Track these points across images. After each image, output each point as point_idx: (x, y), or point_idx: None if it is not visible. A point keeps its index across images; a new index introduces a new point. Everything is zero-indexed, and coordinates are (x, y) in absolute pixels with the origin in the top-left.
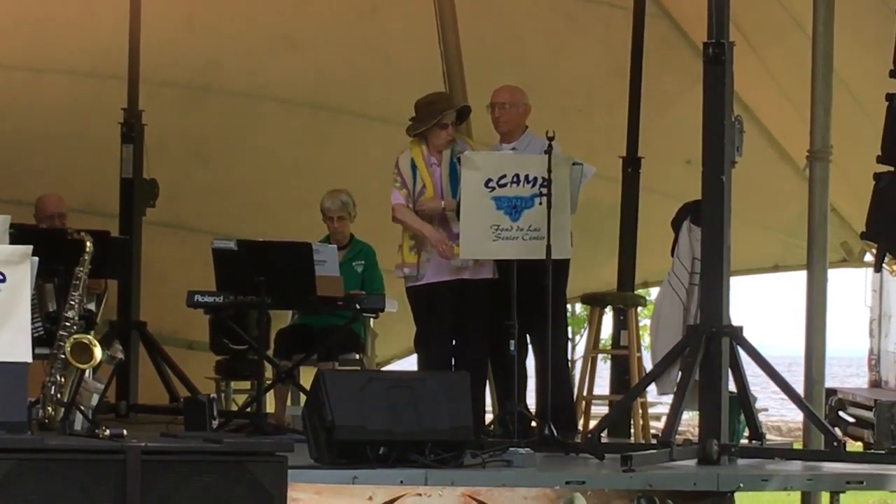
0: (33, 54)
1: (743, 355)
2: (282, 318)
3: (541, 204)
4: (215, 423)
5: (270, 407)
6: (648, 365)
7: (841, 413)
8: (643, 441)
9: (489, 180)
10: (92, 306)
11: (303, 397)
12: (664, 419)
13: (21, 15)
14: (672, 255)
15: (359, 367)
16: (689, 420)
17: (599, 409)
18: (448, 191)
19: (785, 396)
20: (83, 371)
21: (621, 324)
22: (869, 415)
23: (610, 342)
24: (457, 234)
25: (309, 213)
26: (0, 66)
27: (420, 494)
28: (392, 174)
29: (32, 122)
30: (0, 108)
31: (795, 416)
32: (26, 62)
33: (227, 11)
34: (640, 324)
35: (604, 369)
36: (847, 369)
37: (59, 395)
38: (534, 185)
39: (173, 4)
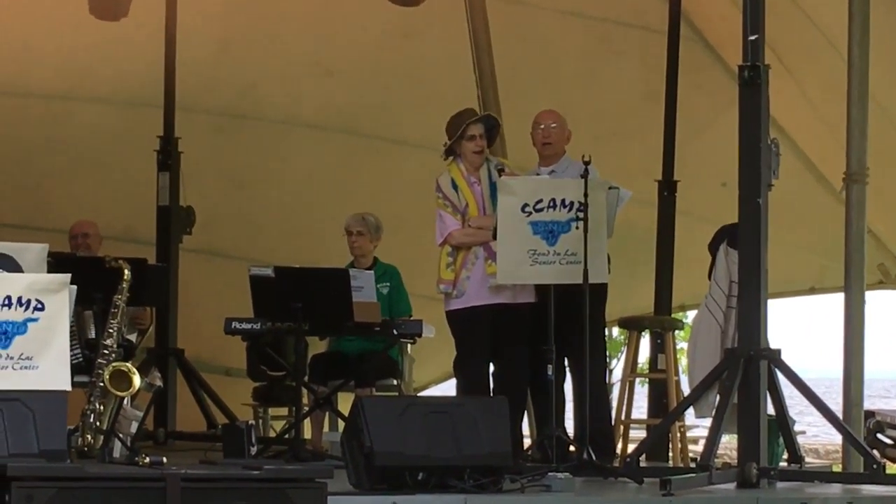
0: (69, 83)
1: (781, 378)
2: (317, 344)
3: (577, 228)
4: (254, 450)
5: (308, 433)
6: (686, 388)
7: (879, 435)
8: (682, 465)
9: (526, 205)
10: (133, 338)
11: (340, 423)
12: (703, 443)
13: (56, 44)
14: (709, 279)
15: (396, 393)
16: (728, 443)
17: (637, 433)
18: (490, 208)
19: (824, 419)
20: (122, 399)
21: (659, 347)
22: None
23: (647, 366)
24: (496, 252)
25: (344, 240)
26: (36, 96)
27: None
28: (435, 198)
29: (69, 151)
30: (37, 138)
31: (834, 438)
32: (62, 91)
33: (262, 39)
34: (678, 347)
35: (641, 393)
36: (886, 391)
37: (98, 423)
38: (570, 210)
39: (208, 32)
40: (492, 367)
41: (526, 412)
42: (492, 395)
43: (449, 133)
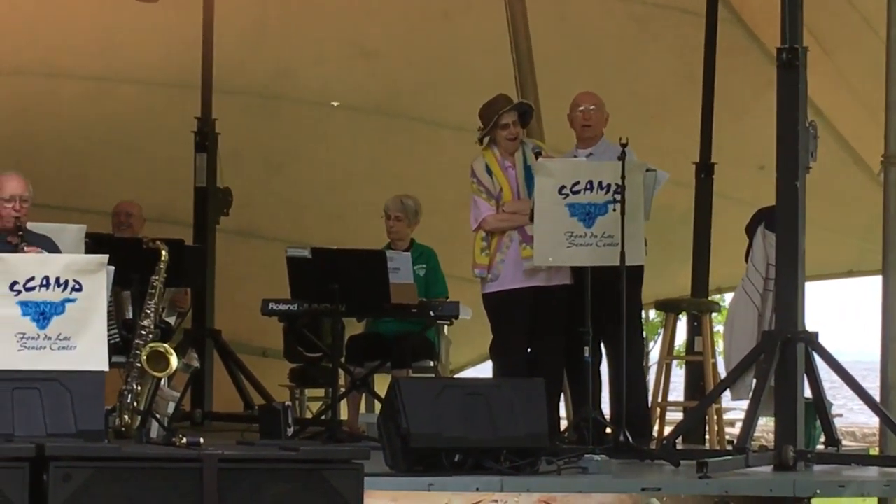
0: (107, 64)
1: (818, 361)
2: (354, 325)
3: (614, 210)
4: (290, 431)
5: (345, 414)
6: (723, 371)
7: None
8: (718, 447)
9: (563, 187)
10: (172, 320)
11: (377, 405)
12: (739, 425)
13: (94, 26)
14: (746, 261)
15: (433, 375)
16: (765, 426)
17: (674, 416)
18: (524, 192)
19: (861, 402)
20: (159, 379)
21: (695, 330)
22: None
23: (684, 348)
24: (531, 236)
25: (381, 221)
26: (74, 77)
27: (496, 501)
28: (469, 182)
29: (107, 132)
30: (75, 119)
31: (871, 421)
32: (100, 72)
33: (299, 20)
34: (715, 330)
35: (678, 375)
36: None
37: (135, 404)
38: (607, 192)
39: (246, 14)
40: (528, 350)
41: (563, 394)
42: (529, 377)
43: (482, 120)
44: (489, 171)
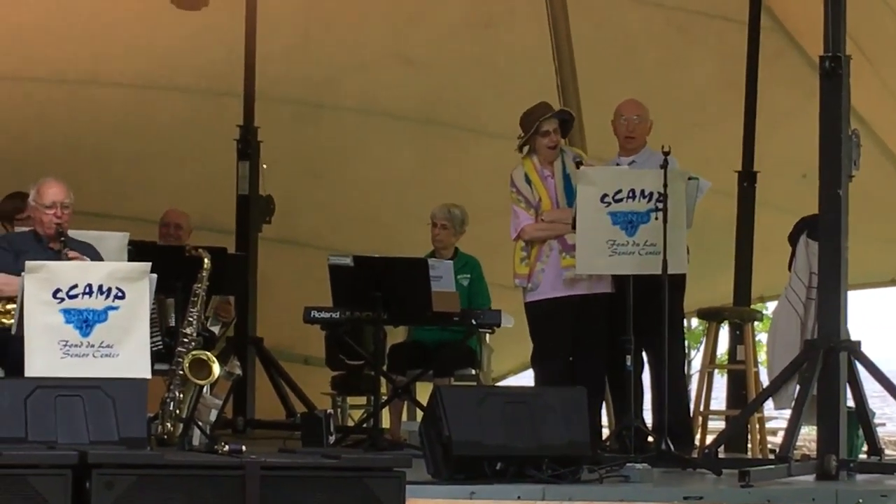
0: (150, 72)
1: (861, 370)
2: (396, 333)
3: (657, 219)
4: (332, 439)
5: (386, 422)
6: (765, 380)
7: None
8: (760, 456)
9: (605, 195)
10: (216, 329)
11: (418, 412)
12: (781, 434)
13: (137, 33)
14: (789, 270)
15: (474, 383)
16: (807, 435)
17: (716, 425)
18: (563, 202)
19: None
20: (201, 387)
21: (738, 338)
22: None
23: (726, 357)
24: (571, 245)
25: (423, 229)
26: (117, 85)
27: None
28: (509, 192)
29: (149, 140)
30: (118, 127)
31: None
32: (143, 80)
33: (341, 28)
34: (757, 338)
35: (720, 384)
36: None
37: (177, 411)
38: (650, 200)
39: (288, 22)
40: (570, 358)
41: (604, 403)
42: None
43: (523, 128)
44: (528, 181)
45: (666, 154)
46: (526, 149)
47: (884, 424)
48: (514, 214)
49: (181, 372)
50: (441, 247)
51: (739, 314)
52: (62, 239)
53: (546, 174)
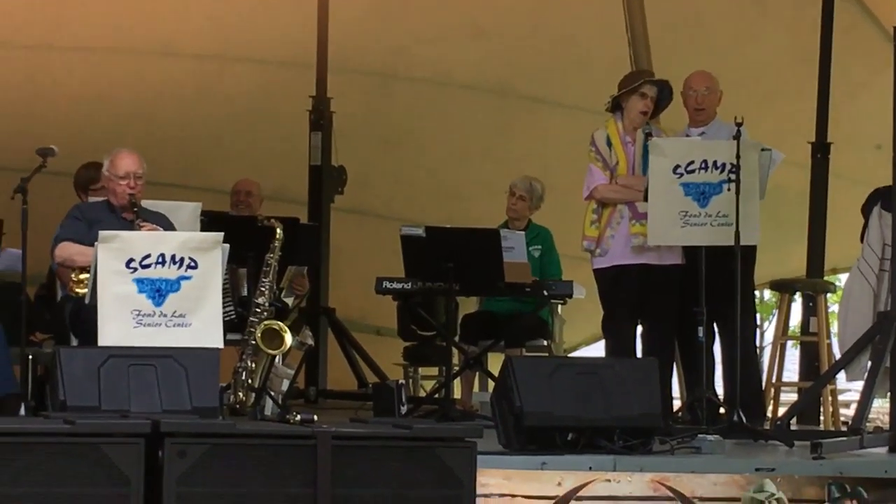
0: (223, 44)
1: None
2: (468, 304)
3: (729, 190)
4: (404, 409)
5: (458, 393)
6: (837, 351)
7: None
8: (833, 428)
9: (677, 166)
10: (290, 301)
11: (490, 383)
12: (854, 406)
13: (210, 5)
14: (862, 241)
15: (546, 354)
16: (880, 407)
17: (788, 396)
18: (640, 170)
19: None
20: (274, 357)
21: (810, 310)
22: None
23: (799, 329)
24: (642, 213)
25: (496, 200)
26: (190, 56)
27: (609, 480)
28: (588, 150)
29: (222, 112)
30: (191, 98)
31: None
32: (216, 51)
33: None
34: (830, 310)
35: (793, 356)
36: None
37: (249, 381)
38: (722, 171)
39: None
40: (640, 328)
41: (676, 374)
42: (641, 355)
43: (622, 85)
44: (609, 143)
45: (739, 125)
46: (612, 114)
47: None
48: (590, 172)
49: (253, 342)
50: (515, 217)
51: (812, 286)
52: (135, 209)
53: (627, 140)
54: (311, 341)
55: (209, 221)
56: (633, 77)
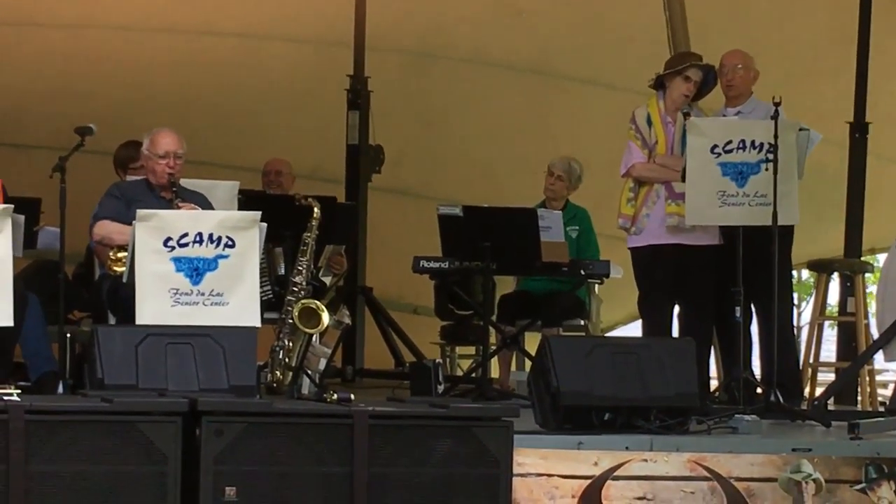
0: (260, 22)
1: None
2: (505, 284)
3: (767, 170)
4: (441, 388)
5: (495, 372)
6: (875, 332)
7: None
8: (870, 409)
9: (715, 146)
10: (327, 280)
11: (527, 363)
12: (892, 386)
13: None
14: None
15: (583, 333)
16: None
17: (826, 377)
18: (678, 151)
19: None
20: (311, 336)
21: (848, 290)
22: None
23: (837, 309)
24: (678, 193)
25: (533, 179)
26: (227, 34)
27: (646, 460)
28: (628, 127)
29: (259, 90)
30: (229, 77)
31: None
32: (253, 30)
33: None
34: (868, 290)
35: (830, 336)
36: None
37: (287, 360)
38: (760, 151)
39: None
40: (677, 308)
41: (713, 354)
42: (678, 335)
43: (668, 65)
44: (649, 122)
45: (777, 105)
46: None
47: None
48: (628, 150)
49: (291, 321)
50: (553, 197)
51: (850, 266)
52: (174, 189)
53: (668, 120)
54: (348, 320)
55: (246, 200)
56: (680, 58)
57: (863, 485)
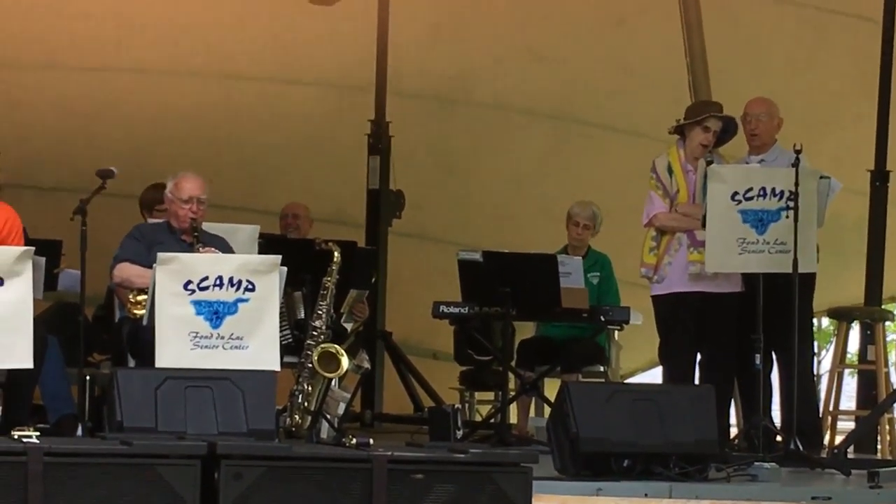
0: (282, 67)
1: None
2: (525, 329)
3: (787, 217)
4: (460, 434)
5: (514, 418)
6: (895, 380)
7: None
8: (890, 457)
9: (735, 193)
10: (349, 326)
11: (546, 409)
12: None
13: (270, 28)
14: None
15: (603, 380)
16: None
17: (846, 425)
18: (700, 198)
19: None
20: (330, 380)
21: (868, 338)
22: None
23: (857, 357)
24: (700, 241)
25: (554, 225)
26: (250, 79)
27: None
28: (649, 177)
29: (281, 134)
30: (252, 121)
31: None
32: (274, 75)
33: (473, 23)
34: (888, 339)
35: (850, 384)
36: None
37: (306, 404)
38: (780, 199)
39: (420, 17)
40: (699, 356)
41: (733, 401)
42: (698, 383)
43: (689, 113)
44: (670, 171)
45: (798, 152)
46: (675, 140)
47: None
48: (650, 200)
49: (310, 365)
50: (579, 246)
51: (870, 314)
52: (195, 233)
53: (689, 168)
54: (367, 365)
55: (266, 244)
56: (699, 108)
57: None
